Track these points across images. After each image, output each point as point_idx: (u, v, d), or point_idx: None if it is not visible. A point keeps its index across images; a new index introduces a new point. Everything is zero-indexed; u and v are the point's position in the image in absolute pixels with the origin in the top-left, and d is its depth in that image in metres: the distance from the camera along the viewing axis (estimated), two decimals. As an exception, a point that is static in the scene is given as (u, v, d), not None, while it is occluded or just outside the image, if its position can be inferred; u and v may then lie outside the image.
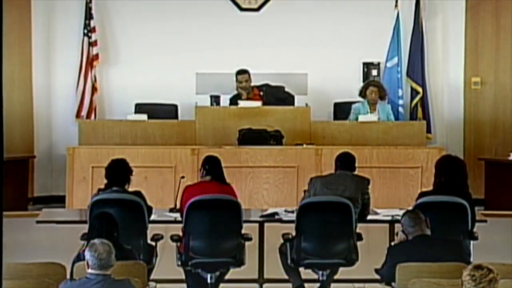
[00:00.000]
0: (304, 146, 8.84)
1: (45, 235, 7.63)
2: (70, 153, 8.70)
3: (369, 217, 6.92)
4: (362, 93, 9.61)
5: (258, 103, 9.33)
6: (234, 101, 9.59)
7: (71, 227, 6.98)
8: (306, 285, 6.85)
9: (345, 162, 6.95)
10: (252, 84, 9.77)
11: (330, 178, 6.93)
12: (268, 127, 8.94)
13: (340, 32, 10.27)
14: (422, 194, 6.69)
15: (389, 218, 6.98)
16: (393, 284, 5.61)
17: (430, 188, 6.81)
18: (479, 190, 9.29)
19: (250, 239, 6.63)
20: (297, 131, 9.07)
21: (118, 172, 6.66)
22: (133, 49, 10.28)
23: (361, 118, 9.29)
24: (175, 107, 9.89)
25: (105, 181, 6.73)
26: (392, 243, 6.39)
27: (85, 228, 6.28)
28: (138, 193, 6.65)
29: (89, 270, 4.84)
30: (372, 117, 9.29)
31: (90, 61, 10.10)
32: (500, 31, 10.28)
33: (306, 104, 9.34)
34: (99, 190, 6.71)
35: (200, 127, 9.13)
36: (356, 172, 7.01)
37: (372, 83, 9.78)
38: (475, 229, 6.60)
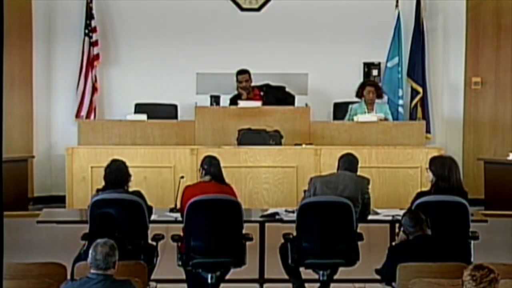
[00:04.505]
0: (303, 146, 8.84)
1: (46, 235, 7.63)
2: (70, 153, 8.69)
3: (370, 217, 6.93)
4: (359, 94, 9.61)
5: (257, 103, 9.32)
6: (234, 101, 9.59)
7: (71, 227, 6.99)
8: (306, 285, 6.87)
9: (347, 163, 6.96)
10: (253, 84, 9.78)
11: (330, 178, 6.94)
12: (268, 127, 8.94)
13: (341, 32, 10.27)
14: (420, 194, 6.70)
15: (390, 218, 6.98)
16: (393, 284, 5.62)
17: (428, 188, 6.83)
18: (479, 190, 9.30)
19: (250, 239, 6.64)
20: (296, 131, 9.07)
21: (116, 176, 6.66)
22: (133, 49, 10.29)
23: (359, 118, 9.27)
24: (175, 107, 9.89)
25: (103, 182, 6.73)
26: (393, 243, 6.40)
27: (85, 228, 6.30)
28: (138, 193, 6.66)
29: (90, 270, 4.86)
30: (371, 117, 9.28)
31: (91, 61, 10.10)
32: (501, 31, 10.28)
33: (306, 104, 9.33)
34: (98, 190, 6.71)
35: (199, 127, 9.13)
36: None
37: (368, 83, 9.78)
38: (475, 229, 6.61)
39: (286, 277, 6.89)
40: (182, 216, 6.61)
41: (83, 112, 10.04)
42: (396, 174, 8.65)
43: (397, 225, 6.56)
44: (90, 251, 4.86)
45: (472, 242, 6.56)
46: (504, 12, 10.25)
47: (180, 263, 6.61)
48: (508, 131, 10.25)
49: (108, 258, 4.82)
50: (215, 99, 9.38)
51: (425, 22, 10.29)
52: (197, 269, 6.57)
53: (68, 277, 5.36)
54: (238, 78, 9.74)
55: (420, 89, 10.25)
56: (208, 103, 9.37)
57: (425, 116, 10.21)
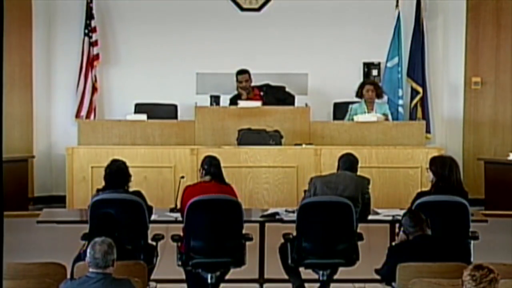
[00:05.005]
0: (303, 146, 8.84)
1: (46, 235, 7.63)
2: (70, 153, 8.70)
3: (370, 217, 6.93)
4: (359, 93, 9.61)
5: (257, 103, 9.33)
6: (234, 101, 9.59)
7: (71, 227, 6.98)
8: (306, 285, 6.86)
9: (347, 163, 6.96)
10: (253, 84, 9.79)
11: (330, 178, 6.94)
12: (268, 127, 8.94)
13: (341, 32, 10.28)
14: (420, 194, 6.70)
15: (390, 218, 6.98)
16: (393, 284, 5.62)
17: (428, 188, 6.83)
18: (479, 190, 9.30)
19: (250, 239, 6.63)
20: (296, 131, 9.07)
21: (117, 177, 6.65)
22: (133, 49, 10.29)
23: (358, 118, 9.27)
24: (174, 107, 9.89)
25: (103, 182, 6.73)
26: (393, 243, 6.40)
27: (85, 228, 6.30)
28: (138, 193, 6.66)
29: (89, 269, 4.86)
30: (370, 117, 9.27)
31: (91, 61, 10.11)
32: (501, 31, 10.29)
33: (306, 104, 9.34)
34: (98, 190, 6.71)
35: (199, 127, 9.13)
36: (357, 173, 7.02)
37: (368, 82, 9.80)
38: (475, 229, 6.61)
39: (286, 277, 6.89)
40: (182, 216, 6.61)
41: (83, 112, 10.05)
42: (396, 174, 8.65)
43: (397, 225, 6.56)
44: (88, 250, 4.86)
45: (472, 242, 6.56)
46: (504, 12, 10.25)
47: (180, 263, 6.61)
48: (508, 131, 10.25)
49: (107, 256, 4.82)
50: (215, 99, 9.37)
51: (425, 22, 10.29)
52: (197, 269, 6.57)
53: (68, 277, 5.35)
54: (238, 78, 9.74)
55: (420, 89, 10.25)
56: (208, 103, 9.37)
57: (425, 116, 10.21)
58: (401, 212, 6.19)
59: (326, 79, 10.27)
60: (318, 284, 6.68)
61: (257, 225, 7.07)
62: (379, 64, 10.34)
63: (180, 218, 6.71)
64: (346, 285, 7.14)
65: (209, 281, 6.55)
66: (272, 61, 10.17)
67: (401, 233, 5.89)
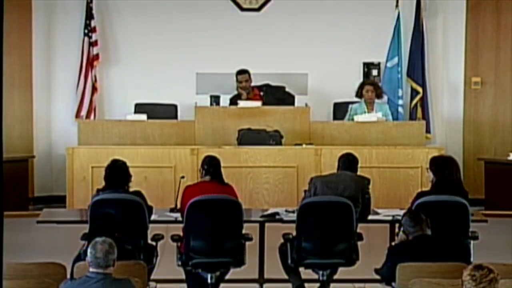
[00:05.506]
0: (304, 146, 8.84)
1: (46, 235, 7.63)
2: (70, 153, 8.70)
3: (370, 217, 6.93)
4: (359, 94, 9.62)
5: (257, 103, 9.33)
6: (234, 101, 9.60)
7: (71, 227, 6.98)
8: (306, 285, 6.86)
9: (347, 163, 6.96)
10: (253, 84, 9.79)
11: (331, 178, 6.94)
12: (268, 127, 8.94)
13: (341, 32, 10.28)
14: (420, 194, 6.70)
15: (390, 218, 6.98)
16: (393, 284, 5.62)
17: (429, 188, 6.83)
18: (479, 190, 9.30)
19: (250, 239, 6.63)
20: (296, 131, 9.07)
21: (117, 177, 6.66)
22: (133, 49, 10.30)
23: (357, 118, 9.28)
24: (174, 107, 9.90)
25: (104, 182, 6.74)
26: (393, 243, 6.40)
27: (85, 228, 6.30)
28: (138, 193, 6.66)
29: (90, 269, 4.86)
30: (370, 117, 9.28)
31: (91, 61, 10.11)
32: (501, 31, 10.29)
33: (306, 104, 9.34)
34: (98, 190, 6.71)
35: (199, 127, 9.14)
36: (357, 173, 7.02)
37: (367, 82, 9.80)
38: (475, 229, 6.61)
39: (286, 277, 6.89)
40: (182, 216, 6.61)
41: (83, 112, 10.05)
42: (397, 174, 8.66)
43: (397, 225, 6.56)
44: (89, 250, 4.86)
45: (472, 242, 6.56)
46: (504, 12, 10.25)
47: (179, 263, 6.61)
48: (508, 131, 10.26)
49: (108, 256, 4.82)
50: (215, 99, 9.38)
51: (425, 22, 10.30)
52: (197, 269, 6.57)
53: (68, 277, 5.35)
54: (238, 78, 9.74)
55: (420, 89, 10.26)
56: (208, 103, 9.38)
57: (425, 116, 10.21)
58: (401, 212, 6.19)
59: (326, 79, 10.28)
60: (318, 284, 6.68)
61: (257, 225, 7.07)
62: (379, 64, 10.35)
63: (180, 218, 6.71)
64: (346, 285, 7.14)
65: (209, 281, 6.55)
66: (272, 61, 10.18)
67: (401, 233, 5.89)
